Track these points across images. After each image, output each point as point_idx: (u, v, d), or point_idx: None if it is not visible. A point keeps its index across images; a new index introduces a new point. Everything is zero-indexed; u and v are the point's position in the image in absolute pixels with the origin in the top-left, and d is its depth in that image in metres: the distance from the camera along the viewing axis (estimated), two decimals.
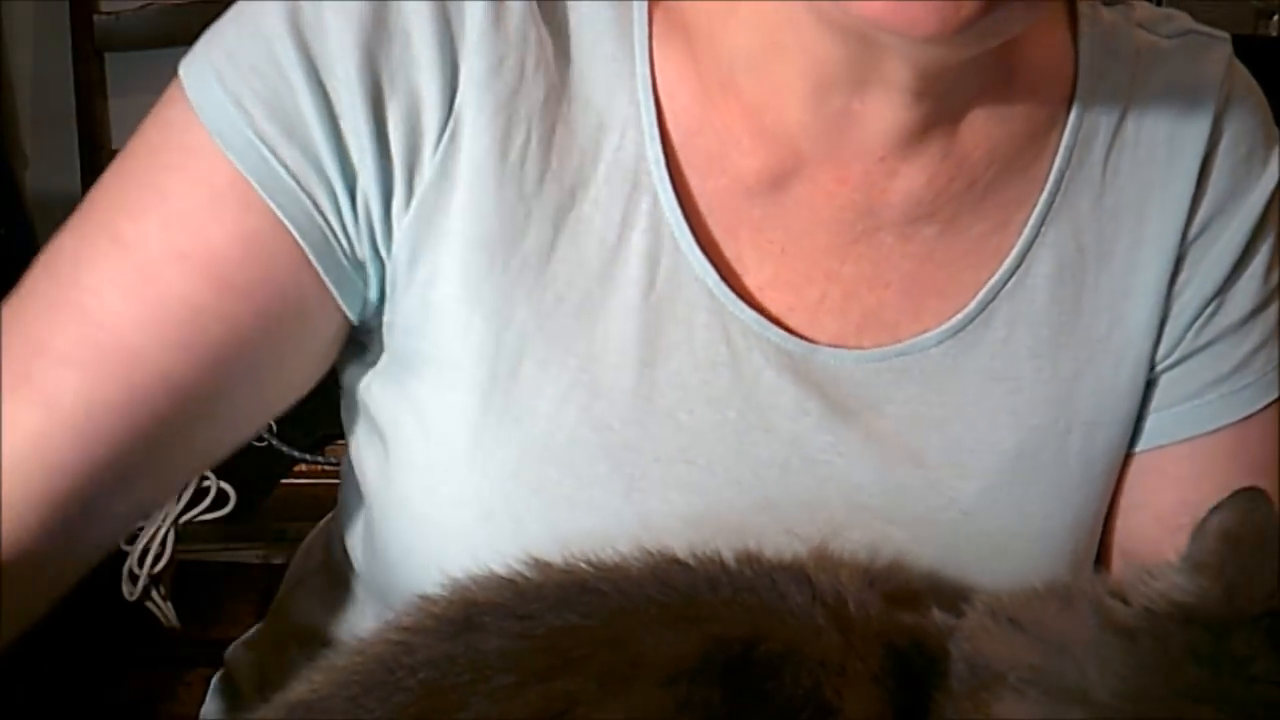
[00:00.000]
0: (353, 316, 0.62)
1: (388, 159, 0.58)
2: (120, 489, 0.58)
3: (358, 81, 0.57)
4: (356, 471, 0.68)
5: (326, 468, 1.55)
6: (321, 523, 0.84)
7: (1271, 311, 0.69)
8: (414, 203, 0.59)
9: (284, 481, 1.50)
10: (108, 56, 1.81)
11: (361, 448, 0.67)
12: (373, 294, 0.62)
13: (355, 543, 0.71)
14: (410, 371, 0.63)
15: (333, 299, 0.60)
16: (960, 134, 0.63)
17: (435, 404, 0.61)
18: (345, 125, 0.58)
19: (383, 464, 0.64)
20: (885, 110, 0.60)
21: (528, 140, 0.60)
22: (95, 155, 1.84)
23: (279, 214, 0.57)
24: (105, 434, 0.56)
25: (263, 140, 0.57)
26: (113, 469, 0.57)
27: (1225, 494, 0.67)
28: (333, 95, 0.57)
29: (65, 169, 1.86)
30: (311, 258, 0.59)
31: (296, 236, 0.58)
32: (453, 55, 0.58)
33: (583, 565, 0.54)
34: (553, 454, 0.60)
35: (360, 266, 0.61)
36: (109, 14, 1.78)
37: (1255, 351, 0.69)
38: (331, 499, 0.78)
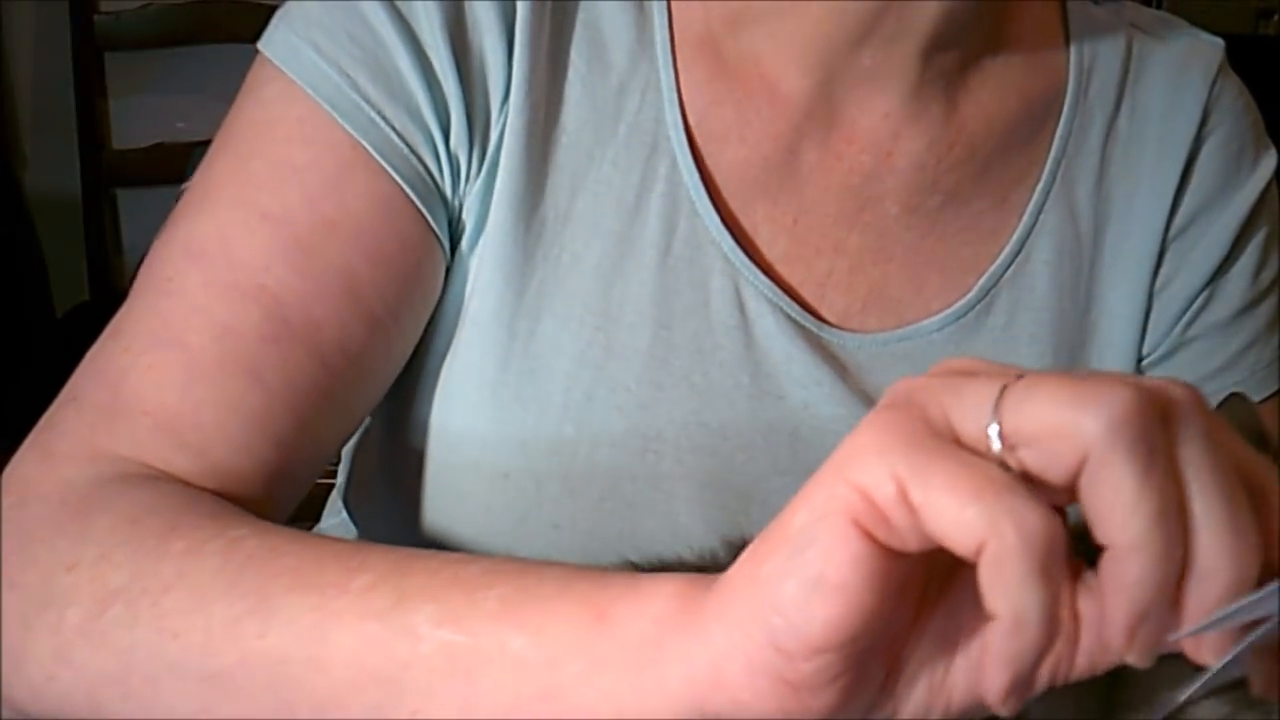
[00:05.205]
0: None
1: (471, 119, 0.59)
2: (321, 452, 0.60)
3: (444, 43, 0.58)
4: (370, 441, 0.68)
5: (327, 467, 1.54)
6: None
7: (1262, 310, 0.70)
8: (485, 165, 0.60)
9: None
10: (108, 56, 1.82)
11: (378, 413, 0.67)
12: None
13: (364, 519, 0.71)
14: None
15: (447, 257, 0.61)
16: (958, 104, 0.64)
17: (455, 363, 0.62)
18: (442, 84, 0.58)
19: (402, 428, 0.65)
20: (890, 62, 0.61)
21: (552, 102, 0.61)
22: (95, 155, 1.84)
23: (396, 178, 0.58)
24: (313, 405, 0.57)
25: (370, 104, 0.57)
26: (318, 437, 0.58)
27: None
28: (429, 53, 0.58)
29: (65, 169, 1.87)
30: (429, 219, 0.59)
31: (414, 199, 0.58)
32: (510, 17, 0.59)
33: None
34: (570, 413, 0.61)
35: (456, 225, 0.61)
36: (109, 14, 1.78)
37: (1244, 350, 0.69)
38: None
